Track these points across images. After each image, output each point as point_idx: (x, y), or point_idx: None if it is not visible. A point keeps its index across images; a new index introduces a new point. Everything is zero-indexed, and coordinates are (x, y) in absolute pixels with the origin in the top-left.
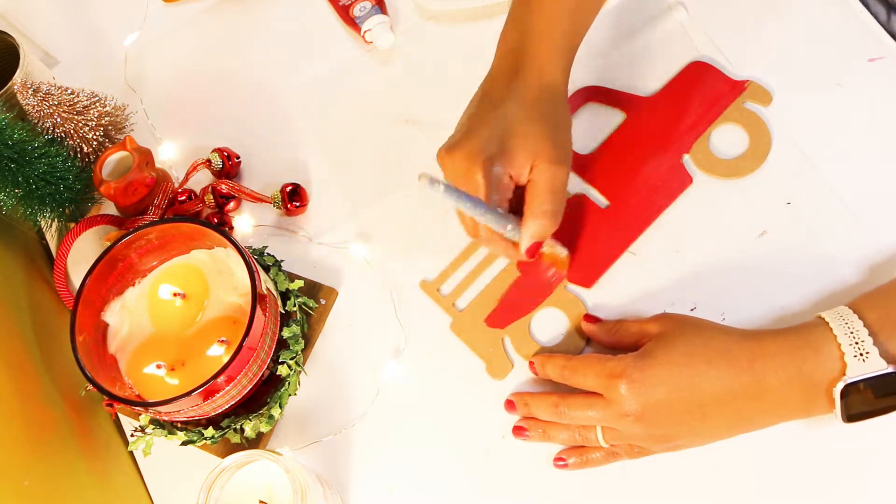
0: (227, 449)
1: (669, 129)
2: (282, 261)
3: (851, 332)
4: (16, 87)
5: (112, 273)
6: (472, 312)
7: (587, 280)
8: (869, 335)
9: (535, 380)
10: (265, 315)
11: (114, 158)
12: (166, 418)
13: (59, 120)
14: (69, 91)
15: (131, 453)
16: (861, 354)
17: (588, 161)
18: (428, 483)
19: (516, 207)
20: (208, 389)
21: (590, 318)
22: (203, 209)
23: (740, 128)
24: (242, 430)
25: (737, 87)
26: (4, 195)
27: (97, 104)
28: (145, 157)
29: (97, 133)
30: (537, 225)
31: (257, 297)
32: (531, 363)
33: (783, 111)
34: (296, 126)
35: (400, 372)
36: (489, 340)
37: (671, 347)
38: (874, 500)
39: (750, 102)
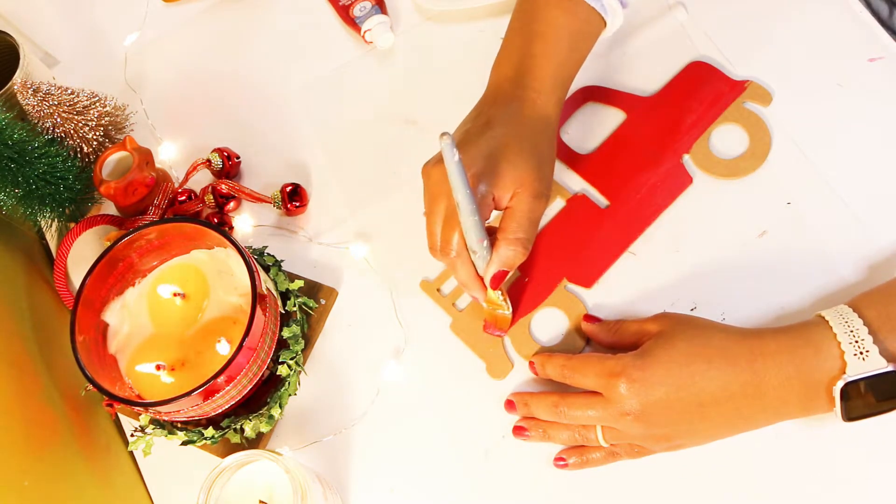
0: (227, 449)
1: (669, 129)
2: (282, 261)
3: (851, 331)
4: (16, 87)
5: (112, 273)
6: (472, 312)
7: (587, 280)
8: (868, 334)
9: (535, 380)
10: (265, 315)
11: (114, 158)
12: (166, 418)
13: (59, 120)
14: (69, 91)
15: (131, 453)
16: (861, 353)
17: (588, 161)
18: (428, 483)
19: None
20: (208, 389)
21: (590, 317)
22: (203, 209)
23: (740, 128)
24: (242, 430)
25: (737, 87)
26: (4, 195)
27: (97, 104)
28: (145, 157)
29: (97, 133)
30: (509, 251)
31: (257, 297)
32: (531, 363)
33: (783, 111)
34: (296, 126)
35: (400, 372)
36: (489, 340)
37: (671, 347)
38: (874, 499)
39: (750, 102)
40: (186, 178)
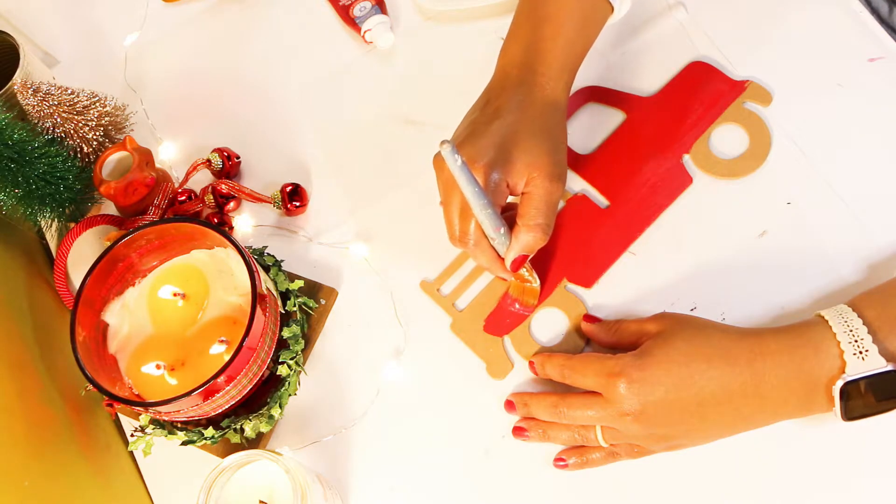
0: (227, 449)
1: (669, 129)
2: (282, 261)
3: (851, 331)
4: (16, 87)
5: (112, 273)
6: (472, 312)
7: (587, 280)
8: (868, 333)
9: (535, 380)
10: (265, 315)
11: (114, 158)
12: (166, 418)
13: (59, 120)
14: (69, 91)
15: (131, 453)
16: (860, 353)
17: (588, 161)
18: (428, 483)
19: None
20: (208, 389)
21: (589, 317)
22: (203, 209)
23: (740, 128)
24: (242, 430)
25: (737, 87)
26: (4, 195)
27: (97, 104)
28: (145, 157)
29: (97, 133)
30: (529, 236)
31: (257, 297)
32: (531, 363)
33: (783, 111)
34: (296, 126)
35: (400, 372)
36: (489, 340)
37: (670, 347)
38: (874, 499)
39: (750, 102)
40: (186, 178)
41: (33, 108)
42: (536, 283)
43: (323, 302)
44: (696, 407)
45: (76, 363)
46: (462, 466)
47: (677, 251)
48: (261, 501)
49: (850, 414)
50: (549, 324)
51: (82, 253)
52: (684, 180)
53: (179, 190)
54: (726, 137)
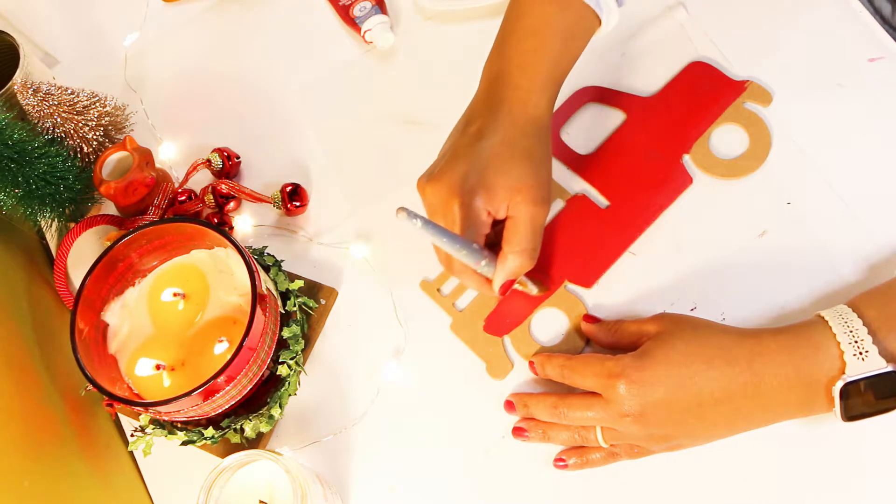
0: (227, 449)
1: (669, 129)
2: (282, 261)
3: (851, 331)
4: (16, 87)
5: (112, 273)
6: (472, 312)
7: (587, 280)
8: (868, 334)
9: (535, 380)
10: (265, 315)
11: (114, 158)
12: (166, 418)
13: (59, 120)
14: (69, 91)
15: (131, 453)
16: (860, 353)
17: (588, 161)
18: (428, 483)
19: (493, 240)
20: (208, 389)
21: (589, 318)
22: (203, 209)
23: (740, 128)
24: (242, 430)
25: (737, 88)
26: (4, 195)
27: (97, 104)
28: (145, 157)
29: (97, 133)
30: (514, 262)
31: (257, 297)
32: (531, 363)
33: (783, 111)
34: (296, 126)
35: (400, 372)
36: (489, 340)
37: (670, 347)
38: (874, 499)
39: (750, 102)
40: (186, 178)
41: (33, 108)
42: (534, 292)
43: (323, 302)
44: (695, 407)
45: (76, 363)
46: (462, 466)
47: (677, 251)
48: (261, 501)
49: (849, 413)
50: (549, 324)
51: (82, 253)
52: (684, 180)
53: (179, 190)
54: (726, 137)
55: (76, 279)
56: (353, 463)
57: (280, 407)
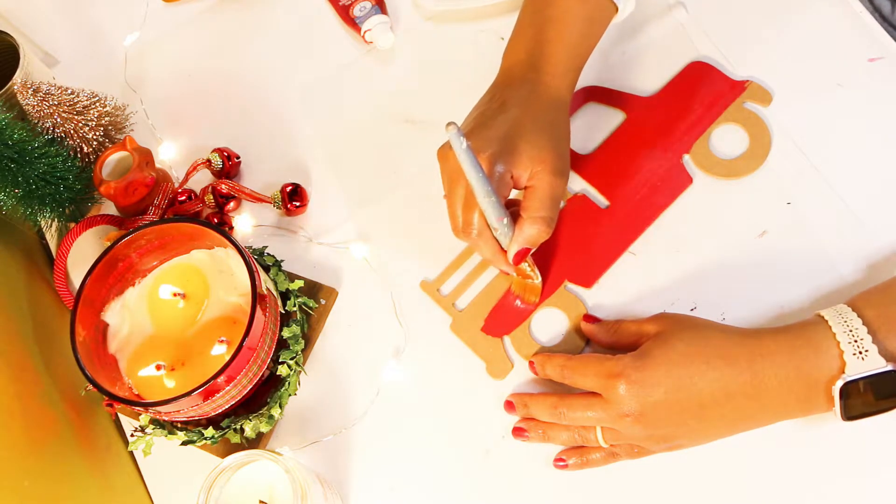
0: (227, 449)
1: (669, 129)
2: (282, 261)
3: (850, 331)
4: (16, 87)
5: (112, 273)
6: (472, 312)
7: (587, 280)
8: (868, 333)
9: (535, 380)
10: (265, 315)
11: (114, 158)
12: (166, 418)
13: (59, 120)
14: (69, 91)
15: (131, 453)
16: (860, 353)
17: (588, 161)
18: (428, 483)
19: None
20: (208, 389)
21: (589, 318)
22: (203, 209)
23: (740, 128)
24: (242, 430)
25: (737, 87)
26: (4, 195)
27: (97, 104)
28: (145, 157)
29: (97, 133)
30: (533, 229)
31: (257, 297)
32: (531, 363)
33: (783, 111)
34: (296, 126)
35: (400, 372)
36: (489, 340)
37: (669, 347)
38: (874, 499)
39: (750, 102)
40: (186, 178)
41: (33, 108)
42: (538, 280)
43: (323, 302)
44: (695, 408)
45: (76, 363)
46: (462, 466)
47: (677, 251)
48: (261, 501)
49: (849, 413)
50: (549, 324)
51: (82, 253)
52: (684, 180)
53: (179, 190)
54: (726, 137)
55: (76, 279)
56: (353, 463)
57: (280, 407)
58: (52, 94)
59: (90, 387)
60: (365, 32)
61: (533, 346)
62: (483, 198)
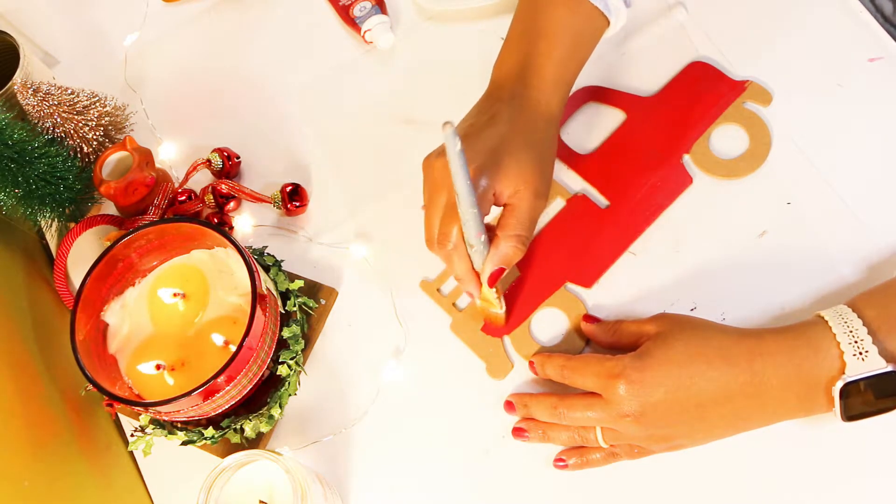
0: (227, 449)
1: (669, 129)
2: (282, 261)
3: (850, 331)
4: (16, 87)
5: (112, 273)
6: (473, 312)
7: (587, 280)
8: (868, 334)
9: (535, 380)
10: (265, 315)
11: (114, 158)
12: (166, 418)
13: (59, 120)
14: (69, 91)
15: (131, 453)
16: (860, 353)
17: (588, 161)
18: (428, 483)
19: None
20: (208, 389)
21: (589, 318)
22: (203, 209)
23: (740, 128)
24: (242, 430)
25: (737, 88)
26: (4, 195)
27: (97, 104)
28: (145, 157)
29: (97, 133)
30: (508, 247)
31: (257, 297)
32: (531, 363)
33: (783, 111)
34: (296, 126)
35: (400, 372)
36: (489, 340)
37: (669, 347)
38: (874, 500)
39: (750, 102)
40: (186, 178)
41: (33, 108)
42: (502, 310)
43: (323, 302)
44: (695, 408)
45: (76, 363)
46: (462, 466)
47: (677, 251)
48: (261, 501)
49: (849, 413)
50: (549, 324)
51: (82, 253)
52: (684, 180)
53: (179, 190)
54: (726, 137)
55: (76, 279)
56: (353, 463)
57: (280, 407)
58: (52, 94)
59: (90, 387)
60: (365, 32)
61: (533, 346)
62: (467, 208)
